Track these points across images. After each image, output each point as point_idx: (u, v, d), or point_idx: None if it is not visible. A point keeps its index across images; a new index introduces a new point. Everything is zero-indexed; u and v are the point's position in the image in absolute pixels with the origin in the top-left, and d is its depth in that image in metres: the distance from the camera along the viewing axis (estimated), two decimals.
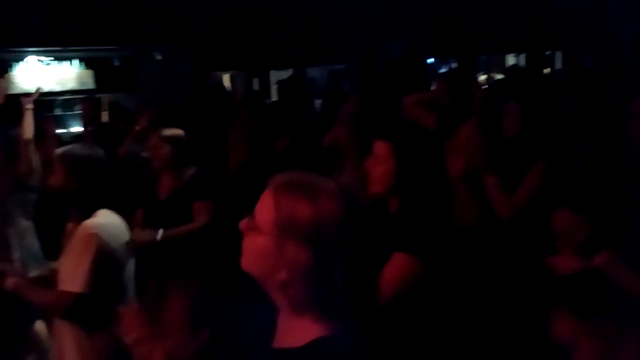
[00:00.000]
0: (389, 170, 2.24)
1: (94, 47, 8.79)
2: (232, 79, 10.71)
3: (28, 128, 4.05)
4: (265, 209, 1.26)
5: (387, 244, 2.19)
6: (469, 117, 3.43)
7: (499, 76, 9.04)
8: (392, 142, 2.25)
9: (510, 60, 11.49)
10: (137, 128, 4.92)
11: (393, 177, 2.24)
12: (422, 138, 2.34)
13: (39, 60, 9.05)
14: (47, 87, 8.30)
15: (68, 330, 2.66)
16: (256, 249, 1.26)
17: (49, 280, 2.70)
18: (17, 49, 8.60)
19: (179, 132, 3.80)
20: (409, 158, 2.23)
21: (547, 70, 10.11)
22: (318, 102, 7.01)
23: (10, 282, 2.58)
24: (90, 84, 9.34)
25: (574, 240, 1.85)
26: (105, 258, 2.55)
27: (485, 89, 4.21)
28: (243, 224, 1.29)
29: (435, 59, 10.80)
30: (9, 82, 8.47)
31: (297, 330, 1.25)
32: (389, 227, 2.24)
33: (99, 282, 2.53)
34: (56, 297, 2.59)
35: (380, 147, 2.27)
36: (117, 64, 9.50)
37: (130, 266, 2.76)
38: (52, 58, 9.13)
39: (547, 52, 10.48)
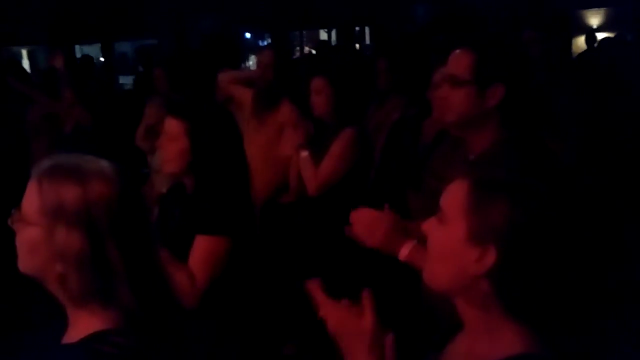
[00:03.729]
0: (182, 149, 2.14)
1: None
2: (30, 55, 9.93)
3: None
4: (30, 198, 1.19)
5: (189, 225, 2.11)
6: (287, 94, 3.40)
7: (311, 51, 9.22)
8: (184, 119, 2.16)
9: (323, 35, 11.77)
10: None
11: (187, 155, 2.15)
12: (216, 115, 2.26)
13: None
14: None
15: None
16: (26, 242, 1.20)
17: None
18: None
19: None
20: (203, 136, 2.14)
21: (357, 46, 10.48)
22: (128, 79, 6.71)
23: None
24: None
25: (375, 239, 1.85)
26: None
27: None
28: (11, 218, 1.21)
29: (251, 35, 10.78)
30: None
31: (77, 324, 1.21)
32: (187, 209, 2.16)
33: None
34: None
35: (172, 125, 2.17)
36: None
37: None
38: None
39: (357, 28, 10.86)
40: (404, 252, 1.81)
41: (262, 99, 3.54)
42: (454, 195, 1.16)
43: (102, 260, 1.16)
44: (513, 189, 1.13)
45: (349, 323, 1.24)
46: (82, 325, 1.20)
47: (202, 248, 2.08)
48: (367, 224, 1.85)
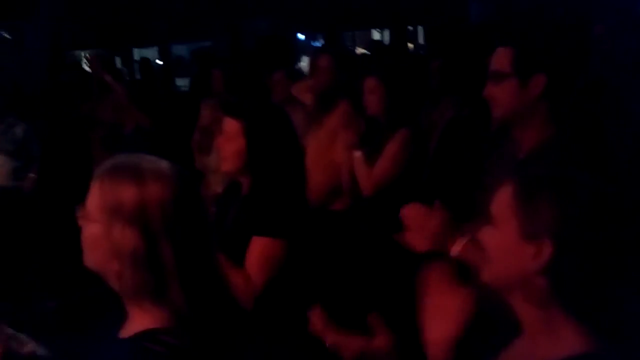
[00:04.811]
0: (239, 148, 2.17)
1: None
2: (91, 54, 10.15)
3: None
4: (92, 196, 1.24)
5: (243, 226, 2.14)
6: (346, 96, 3.40)
7: (363, 51, 9.20)
8: (242, 119, 2.19)
9: (375, 36, 11.73)
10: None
11: (243, 155, 2.18)
12: (273, 115, 2.28)
13: None
14: None
15: None
16: (88, 238, 1.25)
17: None
18: None
19: None
20: (260, 135, 2.17)
21: (411, 46, 10.41)
22: (185, 81, 6.84)
23: None
24: None
25: (426, 234, 1.84)
26: None
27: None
28: (78, 216, 1.26)
29: (305, 35, 10.82)
30: None
31: (133, 320, 1.25)
32: (243, 209, 2.19)
33: None
34: None
35: (230, 125, 2.20)
36: None
37: None
38: None
39: (410, 28, 10.78)
40: (455, 249, 1.80)
41: (320, 103, 3.56)
42: (501, 199, 1.18)
43: (155, 259, 1.19)
44: (557, 183, 1.15)
45: (366, 351, 1.26)
46: (137, 321, 1.24)
47: (258, 250, 2.11)
48: (417, 218, 1.85)
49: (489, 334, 1.48)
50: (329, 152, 3.38)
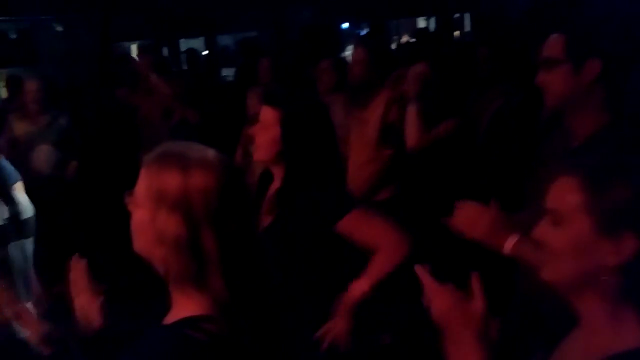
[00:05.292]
0: (274, 137, 2.17)
1: None
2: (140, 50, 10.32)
3: None
4: (140, 182, 1.26)
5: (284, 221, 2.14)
6: (383, 87, 3.38)
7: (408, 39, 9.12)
8: (278, 107, 2.18)
9: (421, 23, 11.61)
10: None
11: (277, 144, 2.17)
12: (310, 106, 2.27)
13: None
14: None
15: None
16: (136, 224, 1.27)
17: None
18: None
19: None
20: (295, 125, 2.16)
21: (457, 33, 10.27)
22: (230, 71, 6.88)
23: None
24: None
25: (477, 231, 1.82)
26: None
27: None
28: (127, 202, 1.28)
29: (350, 24, 10.78)
30: None
31: (176, 306, 1.26)
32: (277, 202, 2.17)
33: None
34: None
35: (266, 113, 2.20)
36: (13, 36, 8.99)
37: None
38: None
39: (456, 15, 10.64)
40: (508, 246, 1.78)
41: (356, 96, 3.54)
42: (564, 194, 1.11)
43: (198, 247, 1.20)
44: (627, 169, 1.08)
45: (457, 308, 1.22)
46: (179, 308, 1.24)
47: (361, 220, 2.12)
48: (469, 216, 1.83)
49: (539, 328, 1.45)
50: (372, 143, 3.37)
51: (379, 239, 2.08)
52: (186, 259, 1.21)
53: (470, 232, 1.84)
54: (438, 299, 1.26)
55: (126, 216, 1.31)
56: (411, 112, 3.11)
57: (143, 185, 1.25)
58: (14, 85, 6.00)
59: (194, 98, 5.18)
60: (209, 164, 1.24)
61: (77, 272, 1.70)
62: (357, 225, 2.10)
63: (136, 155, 4.22)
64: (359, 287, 2.10)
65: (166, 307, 1.28)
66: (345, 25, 10.66)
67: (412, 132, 3.07)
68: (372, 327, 2.77)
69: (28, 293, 2.66)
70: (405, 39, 9.63)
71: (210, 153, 1.28)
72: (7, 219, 2.64)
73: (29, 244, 2.75)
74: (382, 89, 3.38)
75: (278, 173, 2.23)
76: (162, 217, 1.21)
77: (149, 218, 1.23)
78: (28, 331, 1.56)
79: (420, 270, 1.32)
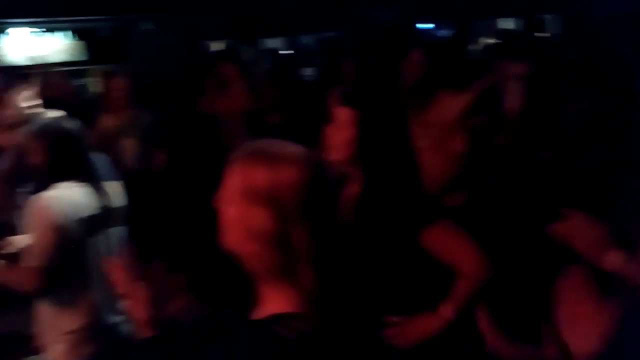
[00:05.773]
0: (349, 138, 2.15)
1: (84, 18, 8.67)
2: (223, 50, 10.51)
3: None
4: (229, 179, 1.28)
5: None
6: (443, 88, 3.31)
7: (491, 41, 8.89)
8: (355, 108, 2.17)
9: (507, 25, 11.32)
10: None
11: (352, 145, 2.15)
12: (388, 107, 2.25)
13: (31, 32, 8.92)
14: (37, 59, 8.22)
15: (44, 310, 2.66)
16: (226, 221, 1.29)
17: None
18: (6, 20, 8.47)
19: None
20: (371, 126, 2.15)
21: (545, 34, 9.97)
22: (310, 71, 6.94)
23: None
24: (81, 56, 9.23)
25: (580, 242, 1.76)
26: (58, 231, 2.53)
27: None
28: (214, 199, 1.31)
29: (435, 25, 10.64)
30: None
31: (264, 303, 1.27)
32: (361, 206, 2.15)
33: (58, 255, 2.52)
34: (23, 273, 2.57)
35: (342, 113, 2.19)
36: (108, 34, 9.36)
37: (97, 241, 2.71)
38: (42, 29, 9.00)
39: (545, 16, 10.33)
40: (610, 261, 1.73)
41: (415, 97, 3.48)
42: None
43: (289, 242, 1.22)
44: None
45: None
46: (268, 304, 1.26)
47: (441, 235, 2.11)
48: (577, 225, 1.78)
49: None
50: (443, 146, 3.31)
51: (462, 261, 2.05)
52: (277, 254, 1.22)
53: (575, 243, 1.78)
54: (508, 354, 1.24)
55: (211, 213, 1.33)
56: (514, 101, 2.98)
57: (233, 182, 1.28)
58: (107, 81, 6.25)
59: (275, 98, 5.24)
60: (297, 159, 1.26)
61: (158, 269, 1.74)
62: (441, 240, 2.07)
63: (219, 154, 4.30)
64: (444, 314, 2.07)
65: (250, 303, 1.30)
66: (429, 26, 10.52)
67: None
68: (451, 334, 2.74)
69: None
70: (488, 40, 9.40)
71: (298, 148, 1.30)
72: (99, 207, 2.72)
73: (117, 232, 2.86)
74: (444, 90, 3.33)
75: (353, 175, 2.22)
76: (253, 213, 1.23)
77: (240, 215, 1.25)
78: (135, 312, 1.60)
79: (480, 316, 1.30)
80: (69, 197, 2.63)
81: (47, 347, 2.68)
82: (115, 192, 2.85)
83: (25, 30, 8.84)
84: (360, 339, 1.34)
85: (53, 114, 3.14)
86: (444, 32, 10.27)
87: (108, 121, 4.82)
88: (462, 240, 2.09)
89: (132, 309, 1.62)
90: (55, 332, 2.63)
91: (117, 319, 2.70)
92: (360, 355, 1.34)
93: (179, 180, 4.47)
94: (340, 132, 2.18)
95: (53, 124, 2.73)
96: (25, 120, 3.87)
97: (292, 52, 9.96)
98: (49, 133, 2.65)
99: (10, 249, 2.82)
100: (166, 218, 4.36)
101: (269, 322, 1.22)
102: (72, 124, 2.75)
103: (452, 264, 2.05)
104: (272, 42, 10.27)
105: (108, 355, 2.64)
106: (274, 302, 1.25)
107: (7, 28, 8.70)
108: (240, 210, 1.25)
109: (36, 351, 3.09)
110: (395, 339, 2.09)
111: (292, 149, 1.30)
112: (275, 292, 1.26)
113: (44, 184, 2.63)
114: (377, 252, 2.11)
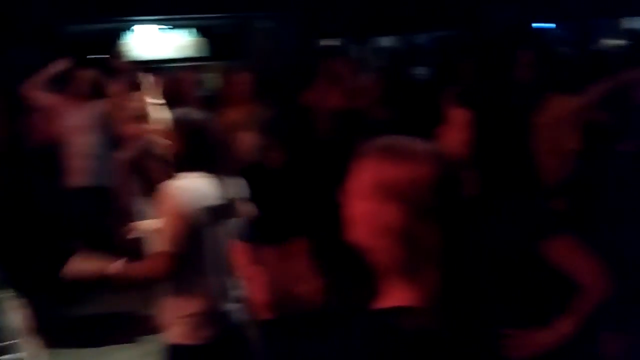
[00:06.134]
0: (464, 139, 2.11)
1: (208, 15, 9.01)
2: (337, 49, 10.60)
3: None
4: (362, 174, 1.27)
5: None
6: (554, 92, 3.19)
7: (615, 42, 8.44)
8: (470, 108, 2.13)
9: (632, 25, 10.71)
10: None
11: (468, 146, 2.11)
12: (502, 107, 2.20)
13: (158, 29, 9.38)
14: (163, 55, 8.64)
15: (165, 293, 2.73)
16: (356, 215, 1.28)
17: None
18: (133, 18, 8.94)
19: None
20: (486, 127, 2.10)
21: None
22: (422, 70, 6.88)
23: (112, 269, 2.62)
24: (202, 52, 9.58)
25: None
26: (186, 218, 2.61)
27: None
28: (341, 193, 1.31)
29: (556, 25, 10.24)
30: (127, 51, 8.88)
31: (385, 296, 1.27)
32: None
33: (185, 242, 2.59)
34: (152, 259, 2.65)
35: (457, 114, 2.15)
36: (228, 32, 9.66)
37: (218, 231, 2.78)
38: (168, 26, 9.44)
39: None
40: None
41: (526, 99, 3.37)
42: None
43: (416, 239, 1.21)
44: None
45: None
46: (389, 297, 1.26)
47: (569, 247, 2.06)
48: None
49: None
50: (555, 144, 3.21)
51: (586, 275, 1.98)
52: (404, 250, 1.23)
53: None
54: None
55: (332, 206, 1.36)
56: None
57: (363, 177, 1.27)
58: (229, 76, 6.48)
59: (388, 96, 5.24)
60: (429, 156, 1.26)
61: (298, 248, 1.76)
62: (564, 252, 2.01)
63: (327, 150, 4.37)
64: (563, 329, 2.02)
65: (372, 295, 1.33)
66: (552, 25, 10.14)
67: None
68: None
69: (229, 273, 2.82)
70: (614, 41, 8.94)
71: (429, 146, 1.29)
72: (222, 198, 2.80)
73: (236, 223, 2.92)
74: (555, 93, 3.22)
75: (468, 178, 2.20)
76: (384, 209, 1.23)
77: (370, 209, 1.25)
78: (254, 295, 1.61)
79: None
80: (196, 186, 2.72)
81: (166, 328, 2.77)
82: (236, 184, 2.93)
83: (152, 28, 9.31)
84: (475, 344, 1.32)
85: (179, 108, 3.25)
86: (564, 32, 9.89)
87: (229, 115, 4.96)
88: (585, 253, 2.02)
89: (251, 293, 1.65)
90: (174, 315, 2.71)
91: (233, 306, 2.75)
92: (470, 355, 1.32)
93: (298, 175, 4.57)
94: (455, 133, 2.15)
95: (190, 115, 2.82)
96: (149, 113, 4.11)
97: (405, 50, 9.89)
98: (186, 123, 2.75)
99: (135, 234, 2.95)
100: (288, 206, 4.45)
101: (388, 313, 1.23)
102: (204, 116, 2.84)
103: (574, 277, 1.99)
104: (386, 41, 10.26)
105: (224, 340, 2.71)
106: (395, 296, 1.25)
107: (134, 25, 9.19)
108: (370, 205, 1.25)
109: (154, 331, 3.22)
110: (510, 350, 2.06)
111: (423, 145, 1.28)
112: (397, 286, 1.25)
113: (176, 172, 2.72)
114: (494, 259, 2.08)
